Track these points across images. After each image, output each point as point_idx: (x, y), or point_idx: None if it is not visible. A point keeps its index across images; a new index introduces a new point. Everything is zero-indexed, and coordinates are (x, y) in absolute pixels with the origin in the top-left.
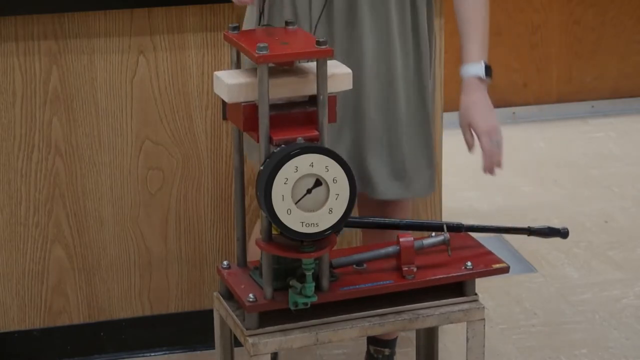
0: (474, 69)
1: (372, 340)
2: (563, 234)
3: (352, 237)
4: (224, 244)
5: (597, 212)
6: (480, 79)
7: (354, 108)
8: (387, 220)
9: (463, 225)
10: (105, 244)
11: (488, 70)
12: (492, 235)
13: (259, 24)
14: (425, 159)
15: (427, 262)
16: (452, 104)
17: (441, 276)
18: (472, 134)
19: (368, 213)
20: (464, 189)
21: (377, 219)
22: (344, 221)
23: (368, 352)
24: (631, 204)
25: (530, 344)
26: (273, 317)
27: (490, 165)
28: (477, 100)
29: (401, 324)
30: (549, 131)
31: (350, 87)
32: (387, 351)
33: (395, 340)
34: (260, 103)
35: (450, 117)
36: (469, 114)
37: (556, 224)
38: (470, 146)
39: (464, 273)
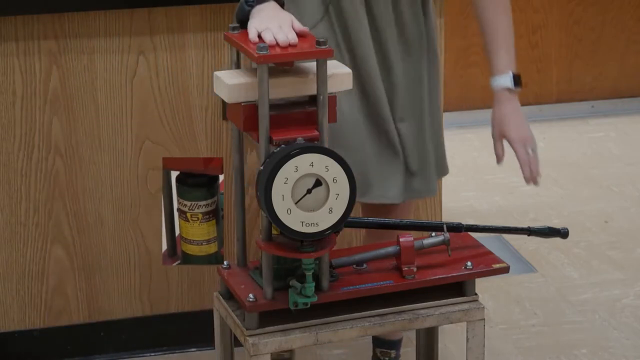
0: (503, 80)
1: (378, 343)
2: (563, 234)
3: (352, 237)
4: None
5: (597, 212)
6: (509, 90)
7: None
8: (387, 220)
9: (463, 225)
10: (105, 244)
11: (517, 79)
12: (492, 235)
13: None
14: (435, 161)
15: (427, 262)
16: (452, 104)
17: (441, 276)
18: (503, 145)
19: (371, 215)
20: (464, 189)
21: (377, 219)
22: (344, 221)
23: (374, 355)
24: (631, 204)
25: (530, 344)
26: (273, 317)
27: (530, 174)
28: (509, 111)
29: (401, 324)
30: (549, 131)
31: (350, 87)
32: (393, 353)
33: (400, 341)
34: (260, 103)
35: (450, 117)
36: (502, 125)
37: (556, 224)
38: (499, 158)
39: (464, 273)
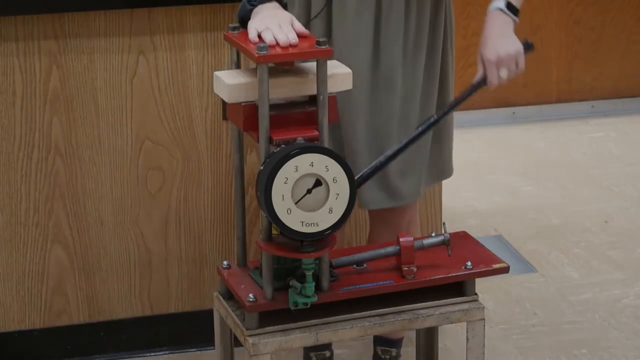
0: (497, 3)
1: (379, 341)
2: (529, 45)
3: (352, 237)
4: (224, 244)
5: (597, 212)
6: (501, 10)
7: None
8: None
9: (435, 117)
10: (105, 244)
11: (512, 7)
12: (492, 235)
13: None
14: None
15: (427, 262)
16: None
17: (441, 276)
18: (483, 67)
19: (379, 222)
20: (464, 189)
21: (376, 164)
22: (344, 221)
23: (375, 353)
24: (631, 204)
25: (530, 344)
26: (273, 317)
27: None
28: (490, 32)
29: (401, 324)
30: (549, 131)
31: (350, 87)
32: (394, 351)
33: (401, 340)
34: (260, 103)
35: None
36: (481, 45)
37: (556, 224)
38: (482, 80)
39: (464, 273)
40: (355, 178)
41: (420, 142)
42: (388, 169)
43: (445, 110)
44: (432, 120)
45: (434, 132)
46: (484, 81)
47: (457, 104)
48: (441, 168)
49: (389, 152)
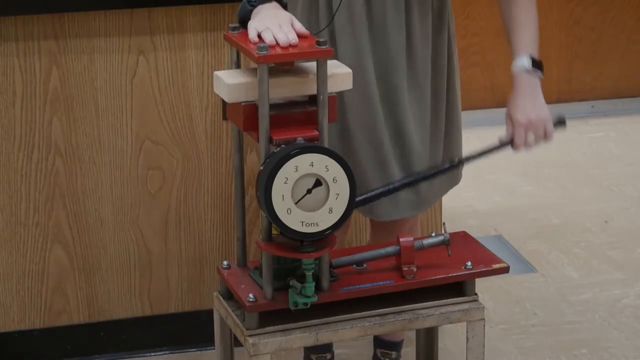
0: (521, 61)
1: (379, 343)
2: (562, 122)
3: (352, 237)
4: (224, 244)
5: (597, 212)
6: (527, 71)
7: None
8: (396, 183)
9: (461, 159)
10: (105, 244)
11: (535, 62)
12: (492, 235)
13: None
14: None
15: (427, 262)
16: None
17: (441, 276)
18: (512, 128)
19: (381, 228)
20: (464, 189)
21: (383, 188)
22: (344, 221)
23: (375, 355)
24: (631, 204)
25: (530, 344)
26: (273, 317)
27: (519, 148)
28: (520, 93)
29: (401, 324)
30: None
31: (350, 86)
32: (394, 354)
33: (401, 342)
34: (260, 103)
35: None
36: (510, 107)
37: (556, 224)
38: (512, 144)
39: (464, 273)
40: (360, 198)
41: (435, 152)
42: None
43: (463, 159)
44: (455, 164)
45: (445, 141)
46: (511, 142)
47: (478, 157)
48: (453, 175)
49: (397, 183)
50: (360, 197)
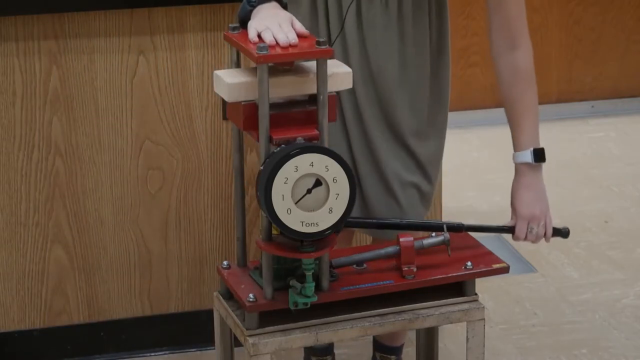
0: (523, 156)
1: (379, 347)
2: (564, 233)
3: (352, 237)
4: (224, 244)
5: (597, 212)
6: (529, 164)
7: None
8: (387, 220)
9: (463, 225)
10: (105, 244)
11: (539, 154)
12: (492, 235)
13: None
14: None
15: (427, 262)
16: (452, 104)
17: (441, 276)
18: (516, 220)
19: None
20: (464, 189)
21: (377, 220)
22: (344, 221)
23: (374, 358)
24: (631, 204)
25: (530, 344)
26: (273, 317)
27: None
28: (522, 186)
29: (401, 324)
30: (549, 131)
31: (350, 86)
32: (393, 358)
33: (401, 347)
34: (260, 103)
35: (449, 117)
36: (513, 199)
37: (556, 224)
38: (513, 235)
39: (464, 273)
40: (348, 219)
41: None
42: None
43: (465, 226)
44: (446, 224)
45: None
46: (512, 230)
47: (475, 230)
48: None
49: (386, 221)
50: (354, 220)
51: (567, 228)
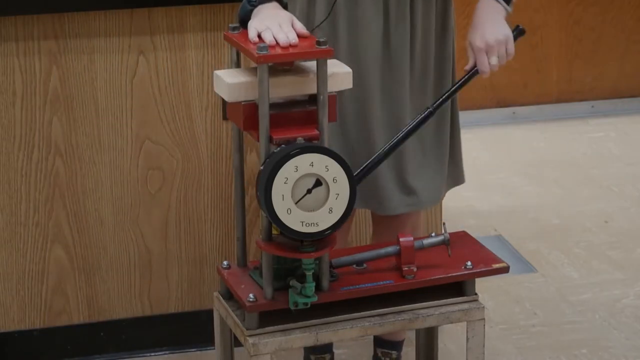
0: None
1: (380, 343)
2: (520, 31)
3: (353, 237)
4: (224, 244)
5: (597, 212)
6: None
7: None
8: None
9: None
10: (105, 244)
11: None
12: (492, 235)
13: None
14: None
15: (427, 262)
16: None
17: (441, 276)
18: (473, 54)
19: (382, 230)
20: (464, 189)
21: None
22: (344, 221)
23: (375, 355)
24: (631, 204)
25: (530, 344)
26: (273, 317)
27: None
28: (479, 19)
29: (401, 324)
30: (549, 131)
31: (350, 86)
32: (394, 354)
33: (402, 342)
34: (260, 103)
35: None
36: (469, 32)
37: (556, 224)
38: (473, 69)
39: (464, 273)
40: (358, 172)
41: (442, 150)
42: (409, 172)
43: (440, 101)
44: (427, 112)
45: (451, 143)
46: (475, 70)
47: (451, 94)
48: (456, 175)
49: (387, 146)
50: (358, 172)
51: (519, 26)
